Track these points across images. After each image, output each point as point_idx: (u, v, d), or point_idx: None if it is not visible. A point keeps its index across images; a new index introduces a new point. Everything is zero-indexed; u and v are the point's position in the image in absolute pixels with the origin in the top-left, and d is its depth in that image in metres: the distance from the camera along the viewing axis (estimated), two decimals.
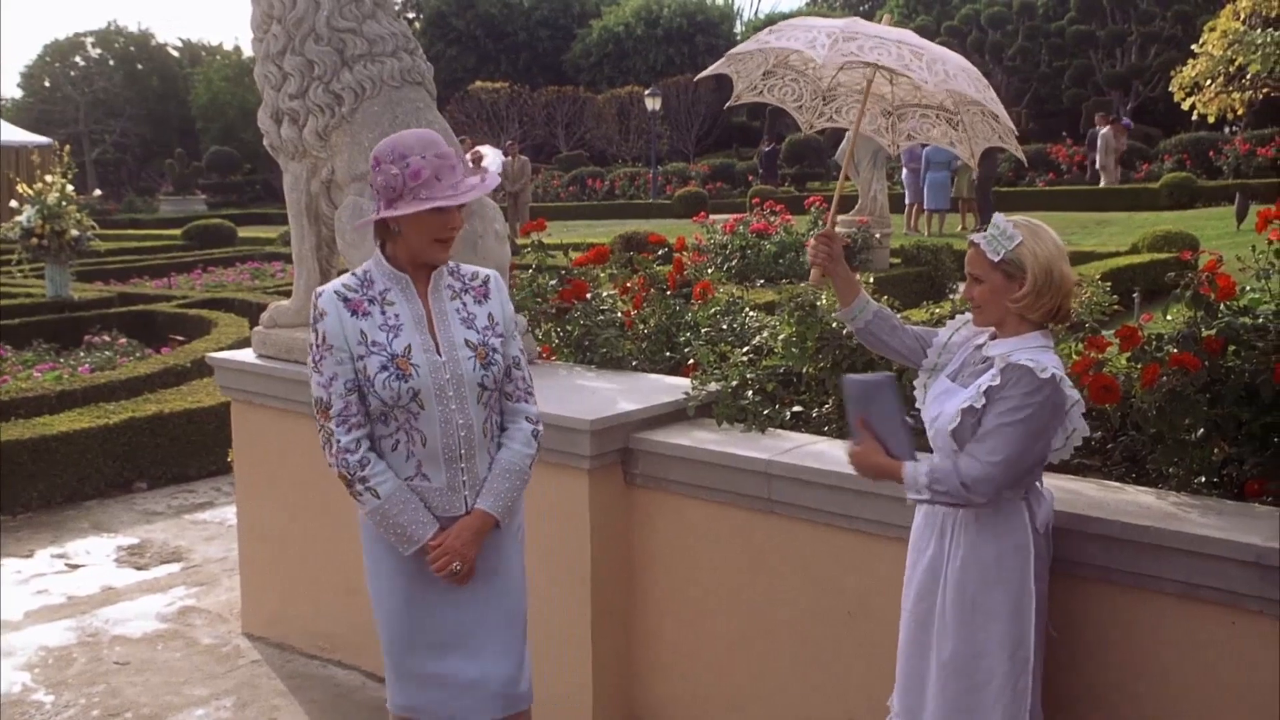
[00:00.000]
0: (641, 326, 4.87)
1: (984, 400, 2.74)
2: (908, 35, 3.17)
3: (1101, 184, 24.46)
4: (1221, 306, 3.24)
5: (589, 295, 4.86)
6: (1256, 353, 3.12)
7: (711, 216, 15.27)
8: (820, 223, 13.01)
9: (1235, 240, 14.51)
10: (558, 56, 47.59)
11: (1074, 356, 3.54)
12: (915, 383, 3.08)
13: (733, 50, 3.48)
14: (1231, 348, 3.16)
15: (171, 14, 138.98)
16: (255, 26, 4.81)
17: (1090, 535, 3.06)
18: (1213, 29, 18.34)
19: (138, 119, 54.10)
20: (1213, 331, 3.16)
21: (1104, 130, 25.26)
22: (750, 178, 30.62)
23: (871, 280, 4.67)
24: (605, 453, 3.92)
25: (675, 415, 4.14)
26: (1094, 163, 25.93)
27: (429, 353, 2.89)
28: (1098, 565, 3.08)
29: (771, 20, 46.27)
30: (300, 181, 4.83)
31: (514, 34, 47.33)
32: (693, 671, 4.00)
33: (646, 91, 34.35)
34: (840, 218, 13.30)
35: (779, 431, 4.00)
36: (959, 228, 20.48)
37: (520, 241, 5.36)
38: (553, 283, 5.09)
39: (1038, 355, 2.74)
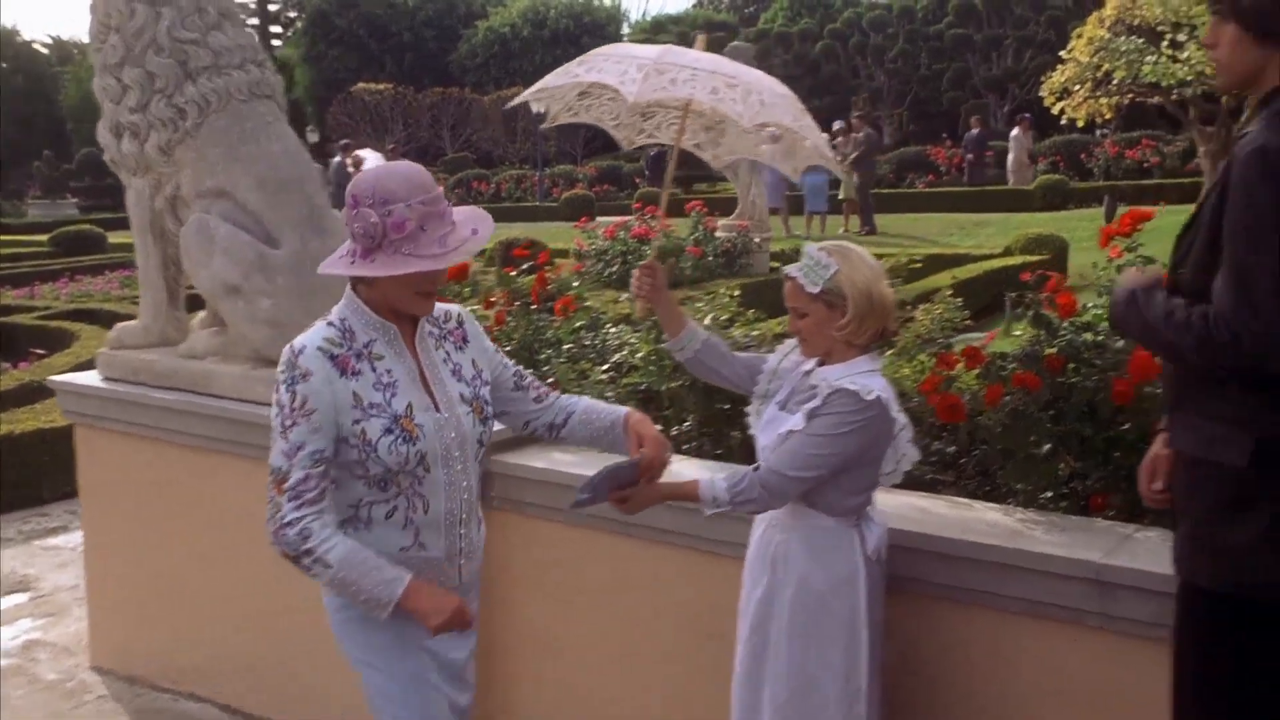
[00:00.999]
0: (504, 343, 4.78)
1: (804, 423, 2.74)
2: (722, 63, 3.12)
3: (1011, 184, 24.97)
4: (1064, 324, 3.28)
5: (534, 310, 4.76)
6: (1096, 370, 3.16)
7: (599, 219, 15.24)
8: (701, 227, 13.06)
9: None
10: (443, 57, 47.12)
11: (924, 373, 3.56)
12: (749, 410, 3.05)
13: (541, 83, 3.38)
14: (1072, 365, 3.20)
15: (40, 10, 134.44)
16: (93, 36, 4.61)
17: (939, 555, 3.07)
18: (1080, 35, 18.86)
19: (3, 119, 52.15)
20: (1054, 350, 3.19)
21: (1015, 131, 25.90)
22: (637, 180, 30.67)
23: (723, 297, 4.64)
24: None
25: (534, 436, 4.05)
26: (971, 163, 26.54)
27: (429, 411, 2.61)
28: (946, 584, 3.09)
29: (659, 23, 46.49)
30: (143, 198, 4.63)
31: (398, 34, 46.73)
32: (554, 696, 3.93)
33: None
34: (720, 222, 13.37)
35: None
36: (841, 229, 20.76)
37: None
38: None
39: (864, 380, 2.74)
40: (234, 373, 4.40)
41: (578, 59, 3.27)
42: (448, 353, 2.71)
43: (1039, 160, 27.00)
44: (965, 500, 3.40)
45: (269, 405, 4.28)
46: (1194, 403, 2.27)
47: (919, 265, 6.83)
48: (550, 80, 3.34)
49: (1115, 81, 18.13)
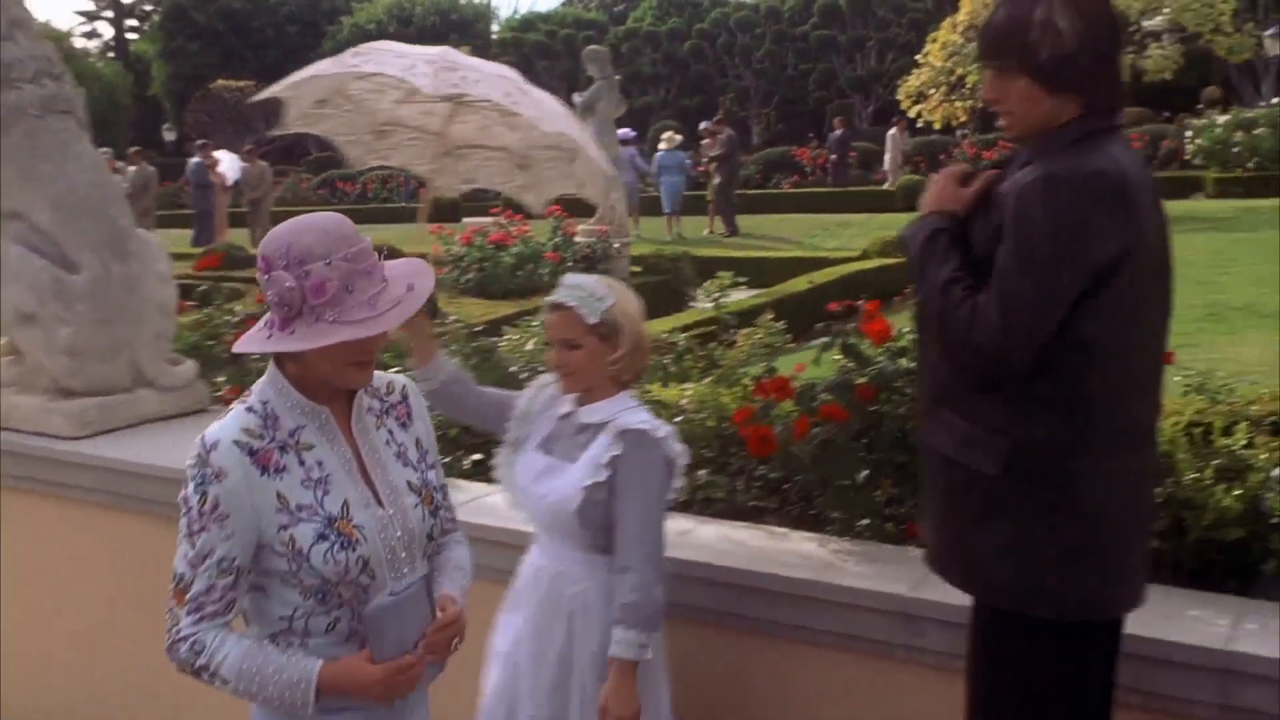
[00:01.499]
0: None
1: (609, 472, 2.65)
2: (506, 70, 3.08)
3: (889, 184, 25.32)
4: (879, 350, 3.27)
5: None
6: (906, 399, 3.15)
7: (465, 220, 14.99)
8: (560, 232, 12.95)
9: None
10: (307, 54, 45.85)
11: (739, 403, 3.52)
12: (497, 457, 2.95)
13: (313, 70, 3.14)
14: (884, 394, 3.19)
15: None
16: None
17: (752, 589, 3.04)
18: (935, 40, 19.28)
19: None
20: (865, 379, 3.17)
21: (891, 131, 26.26)
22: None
23: None
24: None
25: None
26: (834, 164, 26.94)
27: (370, 507, 2.21)
28: (760, 619, 3.06)
29: (529, 21, 46.23)
30: None
31: (261, 29, 45.59)
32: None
33: None
34: (580, 227, 13.27)
35: (459, 481, 3.84)
36: (705, 230, 20.88)
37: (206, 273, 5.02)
38: (236, 319, 4.78)
39: (643, 416, 2.72)
40: (31, 404, 4.15)
41: (352, 49, 3.08)
42: (390, 432, 2.32)
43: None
44: (783, 530, 3.37)
45: (67, 439, 4.13)
46: (953, 402, 2.26)
47: (744, 283, 6.83)
48: (320, 67, 3.10)
49: (969, 85, 18.56)
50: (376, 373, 2.32)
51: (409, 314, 2.12)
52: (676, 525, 3.41)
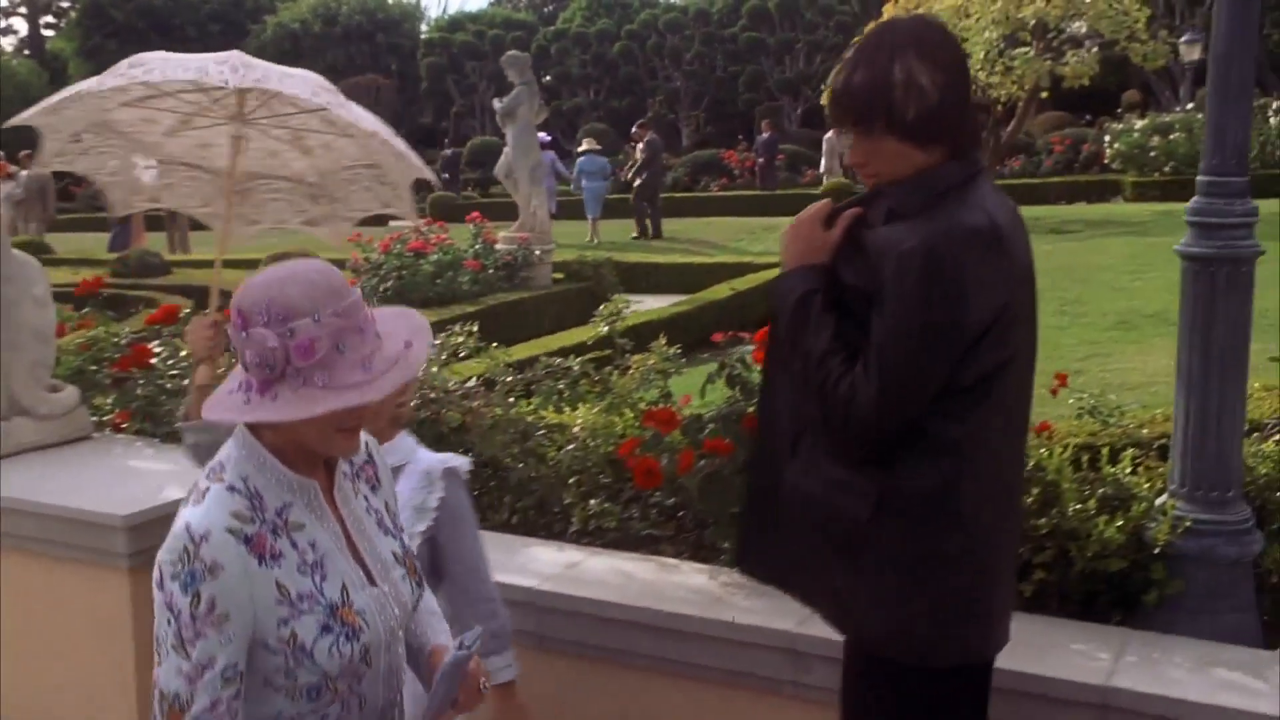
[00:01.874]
0: None
1: (436, 514, 2.64)
2: (304, 71, 2.90)
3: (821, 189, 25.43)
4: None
5: (154, 360, 4.43)
6: None
7: (391, 223, 14.71)
8: (480, 239, 12.83)
9: None
10: None
11: (628, 433, 3.47)
12: None
13: (75, 89, 2.81)
14: None
15: None
16: None
17: (638, 625, 2.99)
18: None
19: None
20: (753, 410, 3.12)
21: (828, 134, 26.33)
22: (432, 183, 30.11)
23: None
24: (148, 548, 3.54)
25: None
26: (762, 167, 27.03)
27: (365, 587, 1.97)
28: (648, 655, 3.01)
29: (457, 21, 45.88)
30: None
31: (182, 28, 44.70)
32: None
33: None
34: (501, 234, 13.16)
35: None
36: (631, 235, 20.86)
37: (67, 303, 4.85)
38: (124, 342, 4.63)
39: (437, 453, 2.76)
40: None
41: (128, 59, 2.77)
42: (365, 499, 2.07)
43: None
44: (675, 561, 3.33)
45: None
46: (820, 442, 2.21)
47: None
48: (84, 87, 2.78)
49: None
50: None
51: (408, 377, 1.89)
52: (566, 557, 3.36)
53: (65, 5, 48.15)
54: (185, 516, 1.84)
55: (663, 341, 3.70)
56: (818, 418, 2.17)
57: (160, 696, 1.83)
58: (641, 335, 10.17)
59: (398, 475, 2.59)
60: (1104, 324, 9.14)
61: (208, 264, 16.17)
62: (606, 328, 3.94)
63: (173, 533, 1.82)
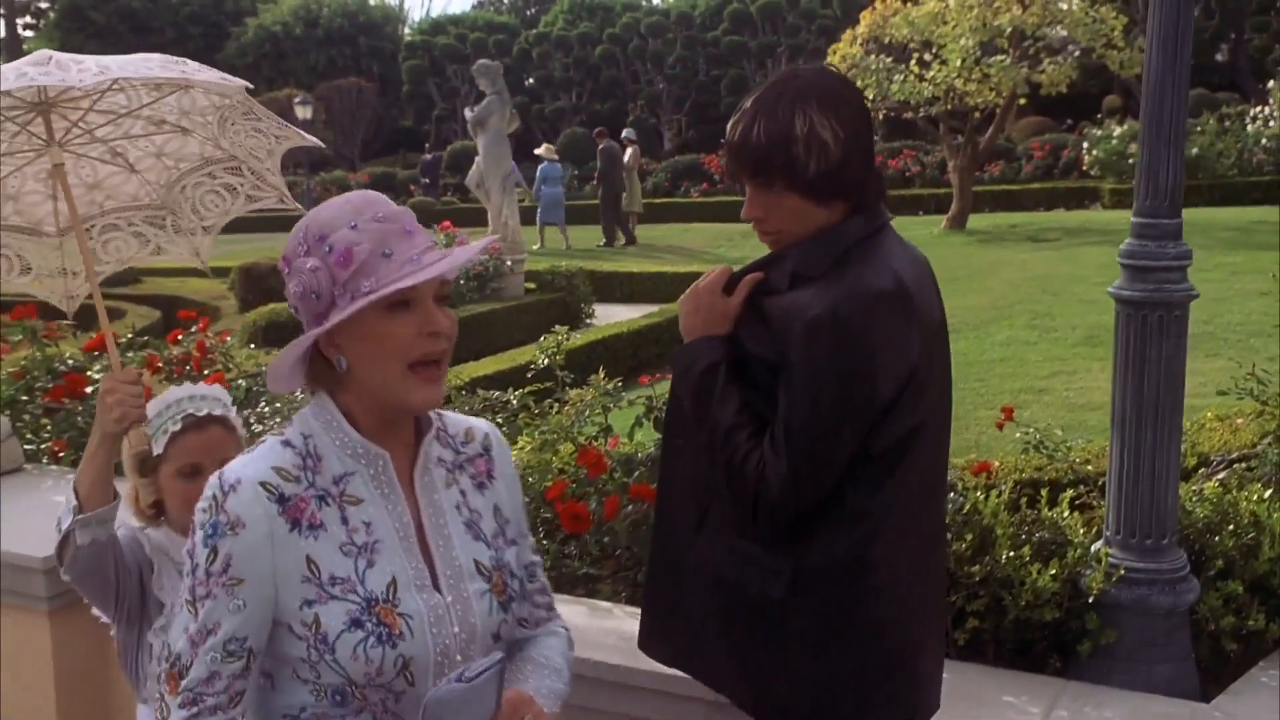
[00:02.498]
0: None
1: None
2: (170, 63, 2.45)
3: None
4: None
5: (89, 389, 4.35)
6: None
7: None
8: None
9: None
10: (211, 56, 44.99)
11: (566, 468, 3.40)
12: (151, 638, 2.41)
13: None
14: None
15: None
16: None
17: None
18: (835, 53, 19.40)
19: None
20: None
21: None
22: (412, 188, 30.02)
23: None
24: (69, 589, 3.46)
25: None
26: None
27: (424, 590, 1.70)
28: (576, 705, 2.93)
29: (439, 24, 45.75)
30: None
31: (161, 30, 44.45)
32: None
33: (297, 99, 33.00)
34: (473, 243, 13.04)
35: None
36: (599, 243, 20.87)
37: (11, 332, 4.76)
38: (63, 367, 4.54)
39: None
40: None
41: None
42: (463, 494, 1.81)
43: None
44: (608, 605, 3.25)
45: None
46: (728, 515, 2.12)
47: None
48: None
49: (870, 97, 18.69)
50: (454, 415, 1.86)
51: (465, 260, 1.68)
52: None
53: (44, 6, 47.85)
54: (227, 465, 1.67)
55: (601, 375, 3.62)
56: (725, 494, 2.09)
57: (168, 651, 1.68)
58: (610, 348, 10.15)
59: None
60: (1072, 339, 9.10)
61: (180, 272, 16.06)
62: (546, 360, 3.85)
63: (210, 480, 1.66)
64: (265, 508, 1.62)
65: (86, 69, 2.18)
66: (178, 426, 2.34)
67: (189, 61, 2.39)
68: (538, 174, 21.69)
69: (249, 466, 1.65)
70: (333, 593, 1.64)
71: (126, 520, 2.41)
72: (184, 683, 1.63)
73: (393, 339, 1.61)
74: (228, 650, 1.62)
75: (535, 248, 19.54)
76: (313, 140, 2.61)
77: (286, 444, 1.68)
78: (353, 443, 1.68)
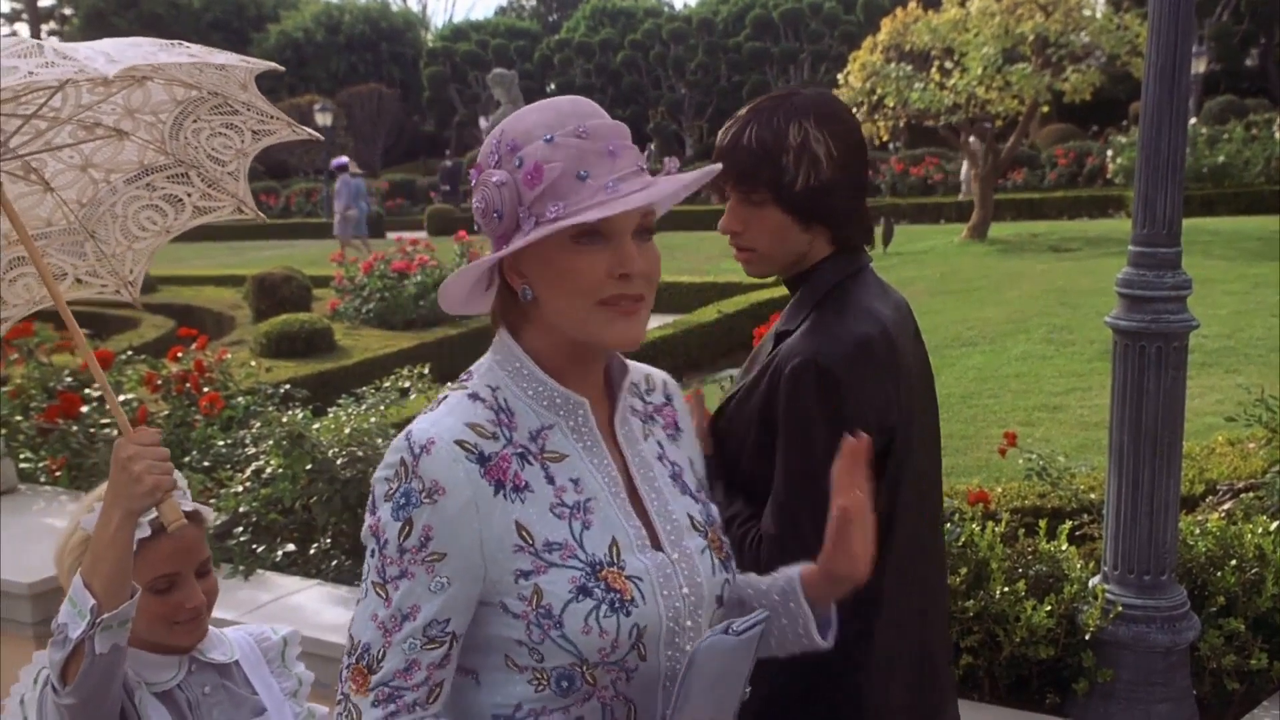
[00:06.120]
0: None
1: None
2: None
3: None
4: None
5: (85, 408, 4.32)
6: None
7: (395, 234, 14.54)
8: (465, 258, 12.68)
9: (880, 264, 15.22)
10: None
11: None
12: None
13: None
14: None
15: None
16: None
17: None
18: (855, 60, 19.29)
19: None
20: None
21: None
22: (432, 194, 30.07)
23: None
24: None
25: None
26: None
27: (646, 550, 1.48)
28: None
29: (460, 30, 45.87)
30: None
31: (184, 36, 43.66)
32: None
33: (318, 105, 33.15)
34: (488, 254, 12.97)
35: (267, 575, 3.63)
36: None
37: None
38: (63, 385, 4.52)
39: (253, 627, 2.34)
40: None
41: None
42: (660, 446, 1.60)
43: None
44: None
45: None
46: None
47: None
48: None
49: (889, 105, 18.58)
50: (630, 362, 1.61)
51: (670, 192, 1.41)
52: None
53: (68, 13, 48.25)
54: (412, 424, 1.44)
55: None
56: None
57: (350, 643, 1.43)
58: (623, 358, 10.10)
59: (244, 673, 2.06)
60: (1088, 354, 8.95)
61: (196, 280, 16.11)
62: None
63: (392, 444, 1.42)
64: (465, 470, 1.39)
65: (92, 56, 1.80)
66: (145, 533, 1.89)
67: (192, 45, 2.06)
68: (349, 188, 20.48)
69: (439, 424, 1.41)
70: (551, 560, 1.41)
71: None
72: (376, 677, 1.40)
73: (580, 275, 1.38)
74: (428, 636, 1.40)
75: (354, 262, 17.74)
76: (307, 132, 2.22)
77: (474, 397, 1.45)
78: (548, 391, 1.46)
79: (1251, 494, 3.52)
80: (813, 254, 1.96)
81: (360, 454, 3.79)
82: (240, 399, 4.53)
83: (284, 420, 3.82)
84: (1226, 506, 3.47)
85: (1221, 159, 21.41)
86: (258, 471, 4.02)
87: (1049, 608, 2.78)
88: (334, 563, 3.72)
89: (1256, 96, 30.96)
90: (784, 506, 1.88)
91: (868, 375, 1.87)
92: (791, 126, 1.90)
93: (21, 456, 4.33)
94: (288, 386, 4.70)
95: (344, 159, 22.34)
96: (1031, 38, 18.41)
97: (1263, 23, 35.57)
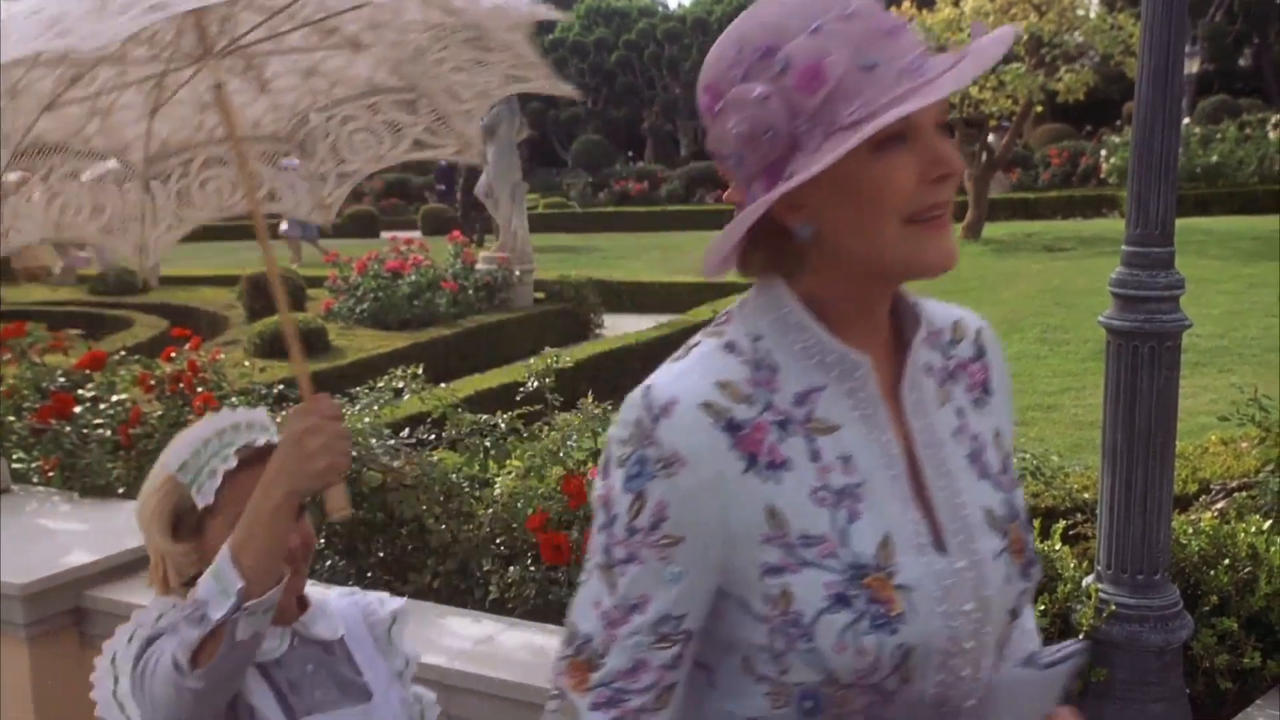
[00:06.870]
0: (145, 443, 4.36)
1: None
2: None
3: None
4: None
5: (78, 409, 4.31)
6: None
7: (383, 235, 14.53)
8: (459, 259, 12.68)
9: None
10: None
11: (553, 495, 3.34)
12: None
13: None
14: None
15: None
16: None
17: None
18: None
19: None
20: None
21: None
22: (426, 194, 30.05)
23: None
24: (49, 616, 3.44)
25: (147, 561, 3.68)
26: None
27: (924, 553, 1.21)
28: None
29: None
30: None
31: None
32: None
33: None
34: (481, 254, 13.02)
35: None
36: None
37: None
38: (56, 385, 4.51)
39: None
40: None
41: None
42: (959, 414, 1.30)
43: None
44: None
45: None
46: None
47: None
48: None
49: None
50: (934, 304, 1.34)
51: (985, 67, 1.13)
52: (481, 630, 3.23)
53: None
54: (652, 377, 1.21)
55: (590, 398, 3.57)
56: None
57: (569, 631, 1.23)
58: (619, 360, 10.10)
59: (350, 647, 1.89)
60: (1082, 353, 8.99)
61: (190, 280, 16.07)
62: (535, 383, 3.80)
63: (629, 397, 1.19)
64: (712, 438, 1.15)
65: None
66: (232, 464, 1.75)
67: None
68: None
69: (683, 379, 1.18)
70: (806, 557, 1.16)
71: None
72: (598, 675, 1.19)
73: (889, 188, 1.13)
74: (659, 633, 1.18)
75: (294, 265, 16.98)
76: (567, 89, 2.03)
77: (730, 348, 1.21)
78: (821, 346, 1.19)
79: (1245, 493, 3.53)
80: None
81: (354, 454, 3.79)
82: (234, 399, 4.52)
83: (278, 420, 3.81)
84: (1220, 506, 3.48)
85: (1215, 159, 21.48)
86: None
87: (1042, 607, 2.79)
88: (328, 563, 3.72)
89: (1250, 96, 31.04)
90: None
91: None
92: None
93: (14, 457, 4.32)
94: (281, 387, 4.69)
95: (294, 160, 22.26)
96: (1025, 37, 18.44)
97: (1256, 23, 35.67)
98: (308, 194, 2.13)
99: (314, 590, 1.91)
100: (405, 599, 2.02)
